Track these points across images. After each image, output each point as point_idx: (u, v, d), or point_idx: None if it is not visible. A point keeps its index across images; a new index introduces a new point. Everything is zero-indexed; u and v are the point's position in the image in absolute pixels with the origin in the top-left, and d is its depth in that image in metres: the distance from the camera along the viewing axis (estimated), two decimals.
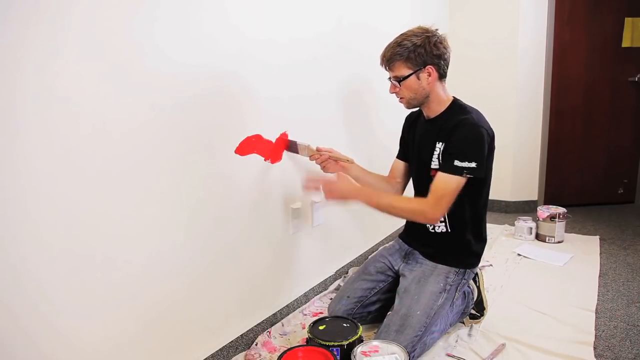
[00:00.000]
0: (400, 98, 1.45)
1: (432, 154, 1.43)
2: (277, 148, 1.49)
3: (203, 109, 1.20)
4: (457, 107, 1.44)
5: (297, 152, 1.52)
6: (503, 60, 2.91)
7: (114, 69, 0.96)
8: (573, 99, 2.98)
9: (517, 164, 3.01)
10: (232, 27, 1.27)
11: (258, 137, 1.40)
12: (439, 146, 1.41)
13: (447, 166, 1.33)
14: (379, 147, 2.16)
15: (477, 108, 1.43)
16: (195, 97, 1.17)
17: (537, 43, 2.89)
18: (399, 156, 1.69)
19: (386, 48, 1.41)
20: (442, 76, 1.41)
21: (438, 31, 1.40)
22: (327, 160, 1.52)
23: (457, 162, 1.31)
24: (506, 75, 2.91)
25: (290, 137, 1.52)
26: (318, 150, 1.51)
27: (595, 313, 1.62)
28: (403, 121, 1.67)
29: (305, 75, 1.60)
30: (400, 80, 1.39)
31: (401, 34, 1.39)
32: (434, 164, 1.42)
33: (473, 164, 1.30)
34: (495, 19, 2.90)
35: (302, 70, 1.59)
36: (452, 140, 1.35)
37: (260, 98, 1.40)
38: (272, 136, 1.46)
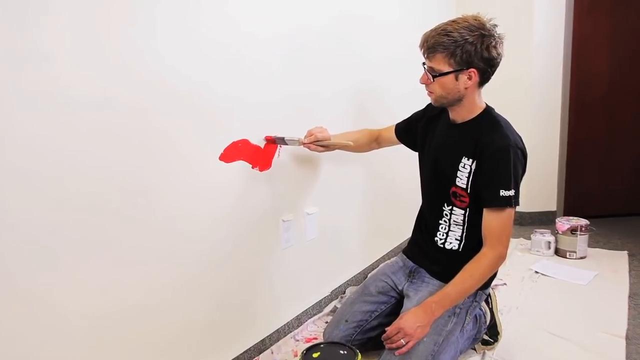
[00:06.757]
0: (430, 92, 1.35)
1: (457, 167, 1.35)
2: (266, 154, 1.44)
3: (188, 112, 1.16)
4: (488, 118, 1.35)
5: (285, 144, 1.47)
6: (516, 54, 2.75)
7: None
8: (595, 97, 2.89)
9: (533, 169, 2.84)
10: (229, 20, 1.23)
11: (245, 142, 1.35)
12: (468, 163, 1.33)
13: (494, 201, 1.28)
14: (385, 152, 2.04)
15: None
16: (187, 99, 1.14)
17: (553, 35, 2.80)
18: (398, 132, 1.63)
19: (431, 32, 1.28)
20: (482, 82, 1.31)
21: (497, 29, 1.26)
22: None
23: (503, 192, 1.27)
24: (519, 70, 2.78)
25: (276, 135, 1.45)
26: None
27: (626, 339, 1.54)
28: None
29: (297, 72, 1.55)
30: (435, 75, 1.29)
31: (453, 21, 1.25)
32: (461, 182, 1.35)
33: (513, 192, 1.28)
34: (507, 9, 2.77)
35: (294, 67, 1.53)
36: (491, 165, 1.29)
37: (250, 99, 1.35)
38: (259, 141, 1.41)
